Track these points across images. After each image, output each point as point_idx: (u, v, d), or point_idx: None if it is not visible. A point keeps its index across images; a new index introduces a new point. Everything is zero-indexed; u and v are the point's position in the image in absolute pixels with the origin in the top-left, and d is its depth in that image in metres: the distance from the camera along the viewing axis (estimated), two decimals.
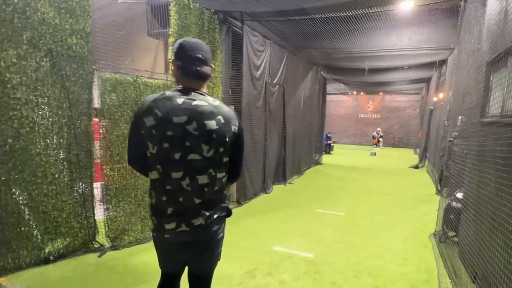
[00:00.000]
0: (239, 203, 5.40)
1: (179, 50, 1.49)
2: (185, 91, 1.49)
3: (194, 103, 1.45)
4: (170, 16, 4.00)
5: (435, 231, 4.18)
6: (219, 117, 1.46)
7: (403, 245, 3.85)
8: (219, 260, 1.73)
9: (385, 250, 3.66)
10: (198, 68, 1.50)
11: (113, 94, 3.42)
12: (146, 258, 3.30)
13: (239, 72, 5.34)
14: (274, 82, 6.57)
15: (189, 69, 1.49)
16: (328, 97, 13.93)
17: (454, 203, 3.52)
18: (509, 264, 1.89)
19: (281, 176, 7.25)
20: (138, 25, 4.67)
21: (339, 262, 3.33)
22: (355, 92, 18.13)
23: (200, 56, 1.50)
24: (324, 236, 4.08)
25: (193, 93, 1.49)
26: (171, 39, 4.02)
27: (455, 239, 3.44)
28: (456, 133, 4.13)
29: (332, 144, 13.88)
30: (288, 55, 7.12)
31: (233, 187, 5.49)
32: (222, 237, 1.67)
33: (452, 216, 3.50)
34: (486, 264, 2.30)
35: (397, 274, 3.10)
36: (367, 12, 4.54)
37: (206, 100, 1.48)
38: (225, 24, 5.04)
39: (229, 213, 1.64)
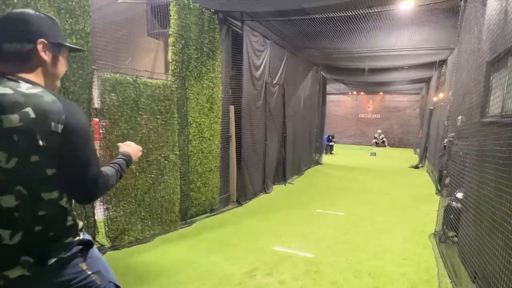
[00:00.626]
0: (239, 203, 5.40)
1: None
2: None
3: None
4: (170, 16, 4.00)
5: (435, 231, 4.18)
6: (27, 109, 1.00)
7: (403, 245, 3.84)
8: (108, 286, 1.31)
9: (385, 250, 3.66)
10: None
11: (113, 94, 3.42)
12: (146, 258, 3.30)
13: (239, 72, 5.34)
14: (274, 82, 6.57)
15: None
16: (328, 97, 13.94)
17: (454, 203, 3.52)
18: (509, 264, 1.89)
19: (281, 176, 7.25)
20: (138, 25, 4.67)
21: (339, 262, 3.33)
22: (355, 92, 18.13)
23: (4, 29, 1.10)
24: (324, 236, 4.08)
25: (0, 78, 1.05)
26: (171, 39, 4.02)
27: (455, 239, 3.44)
28: (453, 133, 4.13)
29: (333, 145, 13.88)
30: (288, 55, 7.12)
31: (233, 187, 5.49)
32: (85, 272, 1.20)
33: (452, 216, 3.50)
34: (486, 264, 2.30)
35: (397, 274, 3.10)
36: (367, 12, 4.53)
37: (16, 87, 1.03)
38: (225, 24, 5.04)
39: (87, 245, 1.23)
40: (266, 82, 6.11)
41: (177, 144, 4.11)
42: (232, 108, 5.36)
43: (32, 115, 1.00)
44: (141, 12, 4.66)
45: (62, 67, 1.22)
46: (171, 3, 3.99)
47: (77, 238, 1.19)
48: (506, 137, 2.10)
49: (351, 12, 4.57)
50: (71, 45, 1.26)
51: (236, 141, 5.44)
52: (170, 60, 4.05)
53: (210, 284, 2.85)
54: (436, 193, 6.44)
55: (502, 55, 2.37)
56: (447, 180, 4.27)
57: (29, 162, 1.01)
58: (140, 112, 3.63)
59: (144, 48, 5.05)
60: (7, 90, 1.01)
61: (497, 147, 2.22)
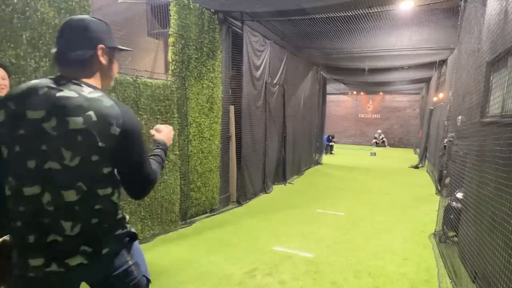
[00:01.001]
0: (239, 203, 5.40)
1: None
2: (58, 80, 1.14)
3: (58, 93, 1.10)
4: (170, 16, 4.00)
5: (435, 231, 4.18)
6: (90, 112, 1.08)
7: (403, 245, 3.84)
8: (142, 279, 1.36)
9: (385, 250, 3.66)
10: (57, 51, 1.17)
11: (113, 94, 3.41)
12: (146, 258, 3.29)
13: (239, 72, 5.34)
14: (274, 82, 6.57)
15: (54, 53, 1.18)
16: (328, 97, 13.93)
17: (454, 203, 3.52)
18: (509, 264, 1.89)
19: (281, 176, 7.25)
20: (138, 25, 4.67)
21: (339, 262, 3.33)
22: (355, 92, 18.13)
23: (60, 35, 1.18)
24: (324, 236, 4.08)
25: (66, 83, 1.13)
26: (171, 39, 4.02)
27: (455, 239, 3.44)
28: (453, 133, 4.13)
29: (333, 145, 13.87)
30: (288, 55, 7.12)
31: (233, 187, 5.49)
32: (128, 262, 1.28)
33: (452, 216, 3.50)
34: (486, 264, 2.30)
35: (397, 274, 3.10)
36: (367, 12, 4.53)
37: (80, 91, 1.12)
38: (225, 24, 5.04)
39: (132, 237, 1.31)
40: (266, 82, 6.11)
41: (177, 144, 4.11)
42: (232, 108, 5.36)
43: (94, 118, 1.09)
44: (141, 12, 4.66)
45: (116, 68, 1.32)
46: (171, 3, 3.99)
47: (125, 230, 1.28)
48: (506, 137, 2.10)
49: (351, 12, 4.57)
50: (122, 47, 1.33)
51: (236, 141, 5.44)
52: (170, 60, 4.05)
53: (210, 284, 2.85)
54: (436, 193, 6.44)
55: (502, 55, 2.37)
56: (447, 180, 4.27)
57: (90, 161, 1.10)
58: (140, 112, 3.63)
59: (144, 48, 5.05)
60: (73, 94, 1.11)
61: (497, 147, 2.22)
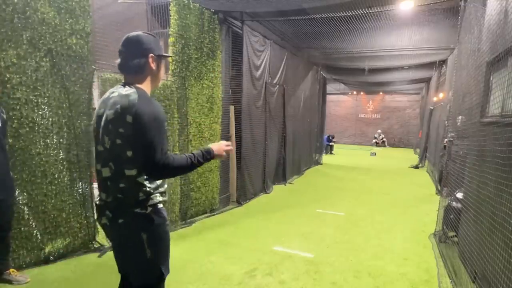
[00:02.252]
0: (239, 203, 5.40)
1: None
2: (121, 85, 1.52)
3: (111, 95, 1.48)
4: (170, 16, 4.00)
5: (435, 231, 4.18)
6: (118, 106, 1.41)
7: (403, 245, 3.84)
8: (154, 266, 1.53)
9: (385, 250, 3.66)
10: (120, 62, 1.53)
11: None
12: None
13: (239, 72, 5.34)
14: (274, 82, 6.57)
15: (118, 64, 1.54)
16: (328, 97, 13.93)
17: (454, 203, 3.52)
18: (509, 264, 1.89)
19: (281, 176, 7.25)
20: (138, 25, 4.67)
21: (339, 262, 3.33)
22: (355, 92, 18.13)
23: (122, 49, 1.52)
24: (324, 236, 4.08)
25: (123, 86, 1.50)
26: (171, 39, 4.01)
27: (455, 239, 3.44)
28: (453, 133, 4.12)
29: (333, 145, 13.87)
30: (288, 55, 7.12)
31: (233, 187, 5.49)
32: (143, 241, 1.46)
33: (452, 216, 3.50)
34: (486, 264, 2.30)
35: (397, 274, 3.10)
36: (367, 12, 4.53)
37: (121, 91, 1.47)
38: (225, 24, 5.04)
39: (149, 220, 1.47)
40: (266, 82, 6.11)
41: (177, 144, 4.11)
42: (232, 108, 5.36)
43: (119, 110, 1.40)
44: (141, 12, 4.66)
45: (162, 72, 1.61)
46: (171, 3, 3.99)
47: (143, 211, 1.46)
48: (506, 137, 2.10)
49: (351, 12, 4.57)
50: (166, 55, 1.65)
51: (236, 141, 5.44)
52: (170, 60, 4.05)
53: (210, 284, 2.85)
54: (436, 193, 6.44)
55: (502, 55, 2.37)
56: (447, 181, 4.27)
57: (116, 144, 1.42)
58: None
59: None
60: (115, 94, 1.46)
61: (497, 147, 2.22)
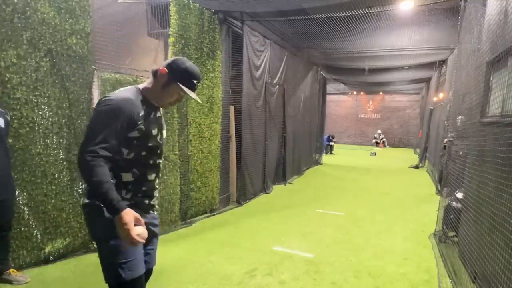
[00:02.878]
0: (239, 203, 5.40)
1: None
2: None
3: None
4: (170, 16, 4.00)
5: (435, 231, 4.18)
6: None
7: (403, 245, 3.84)
8: (112, 264, 1.46)
9: (385, 250, 3.66)
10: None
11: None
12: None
13: (239, 72, 5.34)
14: (274, 82, 6.57)
15: None
16: (328, 97, 13.92)
17: (454, 203, 3.52)
18: (509, 264, 1.89)
19: (281, 176, 7.24)
20: (138, 25, 4.67)
21: (339, 262, 3.33)
22: (355, 92, 18.13)
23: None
24: (324, 236, 4.08)
25: None
26: (171, 39, 4.01)
27: (455, 239, 3.44)
28: (453, 133, 4.12)
29: (333, 145, 13.87)
30: (288, 55, 7.12)
31: (233, 187, 5.49)
32: (100, 233, 1.46)
33: (452, 216, 3.50)
34: (486, 264, 2.30)
35: (397, 274, 3.10)
36: (367, 12, 4.53)
37: None
38: (225, 24, 5.04)
39: (99, 212, 1.41)
40: (266, 82, 6.11)
41: (177, 144, 4.11)
42: (232, 108, 5.36)
43: None
44: (141, 12, 4.65)
45: (166, 96, 1.60)
46: (171, 3, 3.99)
47: (86, 201, 1.53)
48: (506, 137, 2.10)
49: (351, 12, 4.56)
50: (183, 88, 1.57)
51: (236, 141, 5.44)
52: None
53: (210, 284, 2.85)
54: (436, 193, 6.44)
55: (502, 55, 2.37)
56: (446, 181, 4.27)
57: None
58: None
59: (144, 48, 5.05)
60: None
61: (497, 147, 2.22)
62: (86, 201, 1.49)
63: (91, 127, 1.40)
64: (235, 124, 5.40)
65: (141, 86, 1.59)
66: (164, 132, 1.71)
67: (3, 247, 2.67)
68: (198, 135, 4.48)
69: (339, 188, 7.02)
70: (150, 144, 1.56)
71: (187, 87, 1.55)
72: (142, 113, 1.50)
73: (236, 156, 5.48)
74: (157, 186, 1.69)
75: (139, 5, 4.59)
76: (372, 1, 4.25)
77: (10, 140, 2.73)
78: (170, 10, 4.00)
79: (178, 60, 1.57)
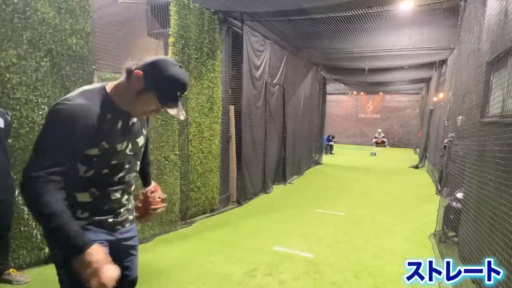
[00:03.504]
0: (239, 203, 5.40)
1: None
2: None
3: None
4: (170, 16, 4.00)
5: (435, 231, 4.18)
6: None
7: (403, 245, 3.84)
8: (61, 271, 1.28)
9: (385, 250, 3.66)
10: None
11: None
12: (146, 258, 3.30)
13: (239, 72, 5.34)
14: (274, 82, 6.57)
15: None
16: (328, 97, 13.92)
17: (454, 203, 3.52)
18: (509, 264, 1.89)
19: (281, 176, 7.24)
20: (138, 25, 4.67)
21: (339, 262, 3.33)
22: (355, 92, 18.12)
23: None
24: (324, 236, 4.08)
25: None
26: (171, 39, 4.01)
27: (455, 239, 3.44)
28: (453, 133, 4.12)
29: (333, 145, 13.87)
30: (288, 55, 7.11)
31: (233, 187, 5.49)
32: (60, 258, 1.26)
33: (452, 216, 3.50)
34: None
35: (397, 274, 3.10)
36: (367, 12, 4.53)
37: None
38: (225, 24, 5.04)
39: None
40: (266, 82, 6.11)
41: (177, 144, 4.11)
42: (232, 108, 5.36)
43: None
44: (141, 12, 4.65)
45: (139, 105, 1.30)
46: (171, 3, 3.99)
47: None
48: (506, 137, 2.10)
49: (351, 12, 4.56)
50: (164, 103, 1.28)
51: (236, 141, 5.44)
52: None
53: (210, 284, 2.85)
54: (436, 193, 6.43)
55: (502, 55, 2.37)
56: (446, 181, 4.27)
57: None
58: None
59: (144, 48, 5.04)
60: None
61: (497, 147, 2.22)
62: None
63: (38, 143, 1.12)
64: (235, 124, 5.40)
65: (109, 86, 1.26)
66: (141, 139, 1.40)
67: (3, 247, 2.67)
68: (198, 135, 4.48)
69: (339, 188, 7.02)
70: (113, 162, 1.27)
71: (167, 99, 1.24)
72: (104, 125, 1.20)
73: (236, 156, 5.48)
74: (125, 202, 1.40)
75: (139, 5, 4.58)
76: (372, 1, 4.24)
77: (10, 140, 2.73)
78: (170, 10, 4.00)
79: (160, 62, 1.21)
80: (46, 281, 2.78)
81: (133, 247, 1.59)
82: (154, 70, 1.21)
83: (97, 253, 1.10)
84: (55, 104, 1.15)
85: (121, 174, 1.33)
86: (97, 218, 1.30)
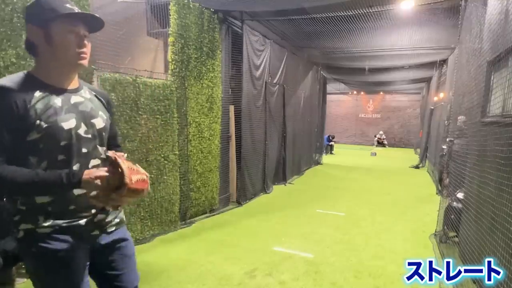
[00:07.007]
0: (239, 203, 5.39)
1: None
2: None
3: None
4: (170, 15, 3.99)
5: (435, 231, 4.17)
6: None
7: (404, 245, 3.84)
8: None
9: (386, 250, 3.65)
10: None
11: (113, 94, 3.41)
12: (146, 258, 3.29)
13: (239, 71, 5.33)
14: (274, 81, 6.56)
15: None
16: (328, 97, 13.91)
17: (454, 203, 3.51)
18: (510, 265, 1.88)
19: (281, 176, 7.24)
20: (137, 25, 4.66)
21: (339, 262, 3.32)
22: (355, 92, 18.10)
23: None
24: (324, 236, 4.07)
25: None
26: (170, 39, 4.01)
27: (456, 239, 3.43)
28: (454, 133, 4.11)
29: (333, 145, 13.86)
30: (288, 54, 7.11)
31: (233, 187, 5.49)
32: (31, 267, 1.20)
33: (452, 216, 3.49)
34: None
35: (398, 274, 3.09)
36: (367, 12, 4.52)
37: None
38: (225, 24, 5.03)
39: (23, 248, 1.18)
40: (266, 82, 6.10)
41: (176, 144, 4.10)
42: (232, 108, 5.35)
43: None
44: (140, 12, 4.65)
45: (67, 46, 1.25)
46: (170, 3, 3.98)
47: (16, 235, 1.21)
48: (507, 137, 2.09)
49: (351, 12, 4.56)
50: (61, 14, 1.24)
51: (236, 141, 5.43)
52: (170, 60, 4.04)
53: (210, 284, 2.84)
54: (436, 193, 6.42)
55: (503, 55, 2.36)
56: (447, 181, 4.26)
57: None
58: (139, 112, 3.62)
59: (143, 47, 5.03)
60: None
61: (497, 147, 2.21)
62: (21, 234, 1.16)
63: None
64: (235, 124, 5.39)
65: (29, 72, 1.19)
66: (98, 121, 1.28)
67: None
68: (197, 135, 4.47)
69: (339, 188, 7.01)
70: (63, 143, 1.14)
71: (62, 15, 1.17)
72: (35, 103, 1.10)
73: (236, 156, 5.47)
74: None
75: (139, 5, 4.58)
76: (372, 1, 4.24)
77: None
78: (169, 9, 3.99)
79: (27, 7, 1.18)
80: None
81: (126, 256, 1.42)
82: (30, 12, 1.16)
83: (93, 172, 1.08)
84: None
85: (81, 160, 1.18)
86: (64, 223, 1.16)
